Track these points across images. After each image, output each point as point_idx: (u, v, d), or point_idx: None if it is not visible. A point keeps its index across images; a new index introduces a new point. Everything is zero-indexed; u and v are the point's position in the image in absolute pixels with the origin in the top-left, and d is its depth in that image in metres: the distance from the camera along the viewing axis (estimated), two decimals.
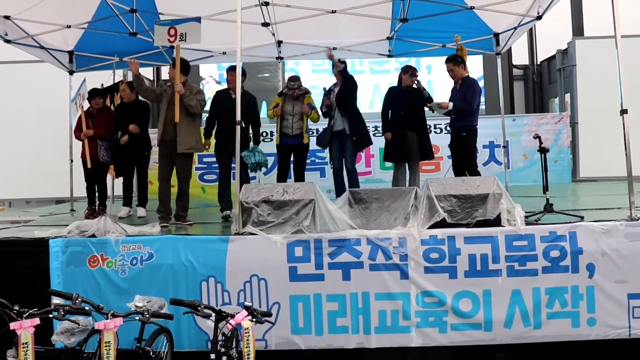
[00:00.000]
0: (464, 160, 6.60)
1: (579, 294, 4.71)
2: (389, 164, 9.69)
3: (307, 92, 7.16)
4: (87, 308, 3.13)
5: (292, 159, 7.21)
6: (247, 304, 3.23)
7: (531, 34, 13.86)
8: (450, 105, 6.48)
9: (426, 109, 7.15)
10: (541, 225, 4.91)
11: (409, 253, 4.71)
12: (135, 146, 7.11)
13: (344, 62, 7.06)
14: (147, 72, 11.28)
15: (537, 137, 5.88)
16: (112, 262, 4.83)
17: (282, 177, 7.12)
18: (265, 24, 7.25)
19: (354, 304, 4.72)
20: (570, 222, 4.90)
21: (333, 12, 7.16)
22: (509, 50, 13.16)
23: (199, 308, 3.12)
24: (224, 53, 8.61)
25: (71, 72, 8.49)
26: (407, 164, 7.18)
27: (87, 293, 4.73)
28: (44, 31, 7.42)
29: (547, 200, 5.62)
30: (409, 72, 7.14)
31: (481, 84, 12.74)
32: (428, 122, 9.26)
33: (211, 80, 12.43)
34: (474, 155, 6.75)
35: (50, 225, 6.29)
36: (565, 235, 4.74)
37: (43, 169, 10.21)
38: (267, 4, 6.88)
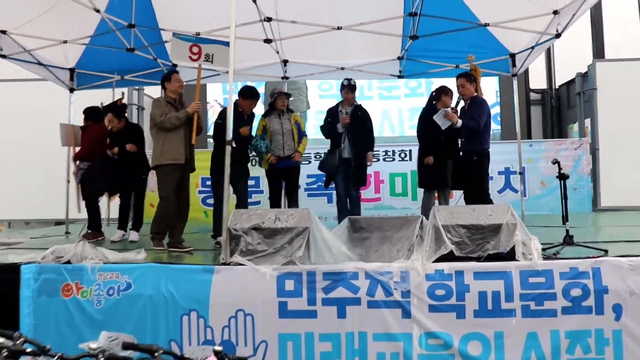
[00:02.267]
0: (476, 187, 6.19)
1: (604, 338, 4.28)
2: (399, 190, 9.34)
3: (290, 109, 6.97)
4: (29, 350, 2.71)
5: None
6: (217, 348, 2.76)
7: (549, 57, 13.52)
8: (460, 122, 6.11)
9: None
10: (560, 260, 4.48)
11: (412, 289, 4.32)
12: (133, 168, 6.94)
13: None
14: (151, 91, 11.09)
15: (556, 162, 5.48)
16: (87, 292, 4.48)
17: (275, 204, 6.80)
18: (268, 40, 7.01)
19: (350, 344, 4.32)
20: (593, 257, 4.47)
21: (339, 28, 6.86)
22: (526, 74, 12.82)
23: (156, 354, 2.68)
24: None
25: (72, 90, 8.36)
26: (441, 192, 6.89)
27: (59, 325, 4.47)
28: (42, 46, 7.24)
29: (567, 231, 5.20)
30: (449, 93, 6.81)
31: (497, 109, 12.41)
32: None
33: (216, 104, 12.15)
34: (486, 181, 6.42)
35: (35, 248, 5.96)
36: (587, 272, 4.33)
37: (43, 189, 10.04)
38: (269, 19, 6.64)
